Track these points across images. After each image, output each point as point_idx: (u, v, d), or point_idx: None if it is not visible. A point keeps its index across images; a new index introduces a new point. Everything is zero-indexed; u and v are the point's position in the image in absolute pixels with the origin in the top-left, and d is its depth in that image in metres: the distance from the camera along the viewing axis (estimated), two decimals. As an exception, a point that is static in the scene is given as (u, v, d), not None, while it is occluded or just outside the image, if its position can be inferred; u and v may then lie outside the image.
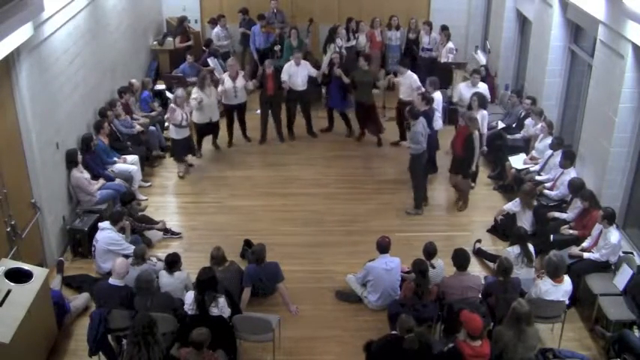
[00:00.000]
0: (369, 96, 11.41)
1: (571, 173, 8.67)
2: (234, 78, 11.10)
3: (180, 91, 10.45)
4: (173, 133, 10.36)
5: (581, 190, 8.10)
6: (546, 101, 10.53)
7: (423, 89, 10.48)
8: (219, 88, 11.02)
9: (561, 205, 8.67)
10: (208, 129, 11.11)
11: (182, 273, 7.08)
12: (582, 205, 7.94)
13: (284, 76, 11.30)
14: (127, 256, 7.37)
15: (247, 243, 8.40)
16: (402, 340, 5.74)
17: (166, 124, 10.81)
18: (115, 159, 9.74)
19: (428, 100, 9.85)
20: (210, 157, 11.16)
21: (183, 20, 14.07)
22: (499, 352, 5.85)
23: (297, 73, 11.35)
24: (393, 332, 6.03)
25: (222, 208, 9.70)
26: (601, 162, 8.23)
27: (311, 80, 11.64)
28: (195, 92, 10.59)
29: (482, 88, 10.70)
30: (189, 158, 10.78)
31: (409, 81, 10.95)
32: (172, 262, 7.00)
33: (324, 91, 12.59)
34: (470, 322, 5.78)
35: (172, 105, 10.24)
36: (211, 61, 12.71)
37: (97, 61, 10.33)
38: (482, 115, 9.73)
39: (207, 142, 11.37)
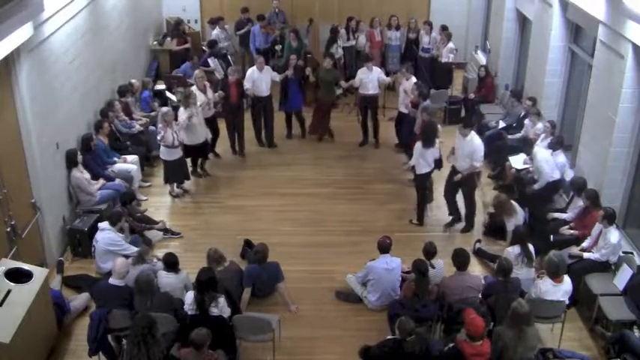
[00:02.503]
0: (332, 95, 11.62)
1: (560, 155, 8.97)
2: (203, 91, 10.30)
3: (166, 109, 9.68)
4: (165, 154, 9.53)
5: (584, 188, 8.11)
6: (546, 101, 10.53)
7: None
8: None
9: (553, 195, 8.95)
10: (199, 150, 10.30)
11: (181, 273, 7.07)
12: (584, 204, 7.94)
13: (247, 84, 10.91)
14: (127, 257, 7.38)
15: (247, 243, 8.40)
16: (402, 343, 5.74)
17: (161, 147, 9.63)
18: (115, 159, 9.75)
19: (425, 96, 9.98)
20: (210, 157, 11.13)
21: (179, 23, 14.05)
22: (499, 352, 5.85)
23: (260, 79, 10.97)
24: (391, 337, 6.03)
25: (223, 208, 9.70)
26: (601, 162, 8.22)
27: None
28: (182, 113, 9.63)
29: (477, 143, 8.69)
30: (185, 185, 10.10)
31: (376, 75, 11.17)
32: (171, 263, 7.00)
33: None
34: (471, 325, 5.77)
35: (160, 125, 9.40)
36: (212, 62, 12.70)
37: (97, 61, 10.33)
38: None
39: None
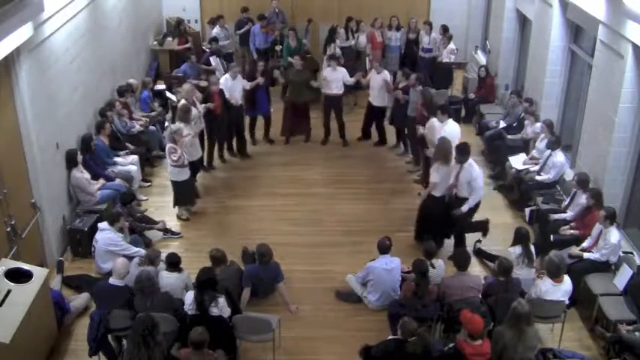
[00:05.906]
0: (303, 95, 11.50)
1: (558, 155, 8.95)
2: (192, 104, 9.70)
3: (175, 126, 8.99)
4: (175, 175, 8.99)
5: (588, 184, 8.11)
6: (546, 101, 10.53)
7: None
8: None
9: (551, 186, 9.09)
10: (194, 167, 9.62)
11: (182, 273, 7.07)
12: (587, 202, 7.93)
13: (225, 92, 10.45)
14: (126, 257, 7.37)
15: (245, 253, 8.20)
16: (403, 343, 5.74)
17: (169, 167, 9.09)
18: (115, 159, 9.74)
19: (422, 80, 10.27)
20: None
21: (180, 23, 14.11)
22: (499, 352, 5.85)
23: (234, 87, 10.59)
24: (393, 337, 6.03)
25: (223, 209, 9.70)
26: (601, 162, 8.23)
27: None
28: (181, 127, 8.98)
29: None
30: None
31: (340, 75, 11.19)
32: (173, 263, 7.00)
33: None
34: (470, 323, 5.78)
35: (172, 145, 8.82)
36: (213, 60, 12.70)
37: (97, 61, 10.33)
38: None
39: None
